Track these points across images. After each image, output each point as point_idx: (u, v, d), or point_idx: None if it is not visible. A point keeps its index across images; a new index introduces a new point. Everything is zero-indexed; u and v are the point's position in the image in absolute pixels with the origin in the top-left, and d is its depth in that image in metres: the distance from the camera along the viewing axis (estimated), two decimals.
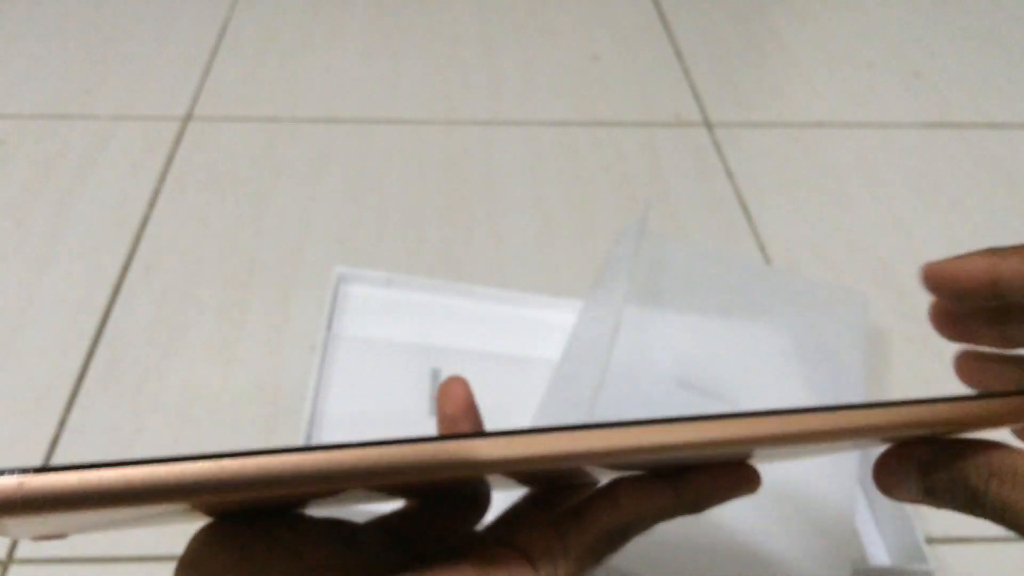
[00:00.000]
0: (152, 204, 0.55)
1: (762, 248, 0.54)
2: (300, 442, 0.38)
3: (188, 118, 0.62)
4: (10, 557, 0.37)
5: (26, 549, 0.37)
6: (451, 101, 0.65)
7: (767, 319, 0.43)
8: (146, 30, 0.71)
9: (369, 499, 0.22)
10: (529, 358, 0.43)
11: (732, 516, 0.34)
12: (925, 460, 0.20)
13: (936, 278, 0.22)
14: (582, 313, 0.43)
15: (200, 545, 0.20)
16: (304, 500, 0.19)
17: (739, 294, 0.45)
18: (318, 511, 0.22)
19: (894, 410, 0.18)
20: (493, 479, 0.21)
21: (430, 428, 0.39)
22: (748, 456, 0.21)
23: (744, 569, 0.33)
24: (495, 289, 0.46)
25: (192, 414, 0.42)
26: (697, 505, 0.21)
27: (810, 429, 0.17)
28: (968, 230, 0.56)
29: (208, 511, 0.19)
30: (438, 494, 0.23)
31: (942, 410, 0.18)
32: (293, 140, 0.61)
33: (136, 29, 0.72)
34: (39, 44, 0.69)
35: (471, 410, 0.25)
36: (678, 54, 0.72)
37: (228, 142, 0.60)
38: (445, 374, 0.41)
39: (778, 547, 0.34)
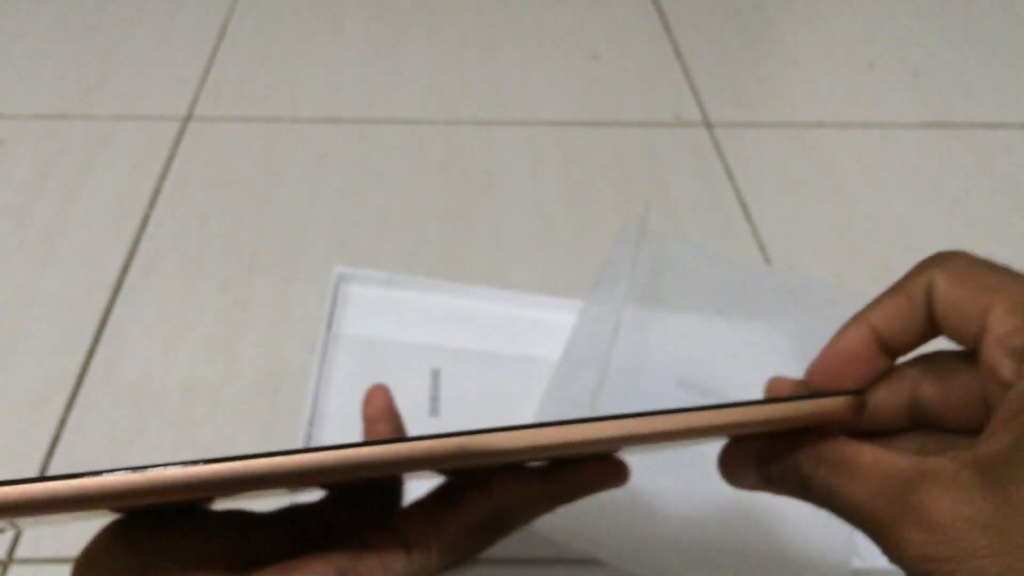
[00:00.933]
0: (152, 204, 0.55)
1: (762, 248, 0.54)
2: (300, 442, 0.38)
3: (188, 118, 0.62)
4: (10, 557, 0.37)
5: (27, 549, 0.37)
6: (451, 101, 0.65)
7: (767, 319, 0.43)
8: (146, 30, 0.71)
9: (277, 495, 0.23)
10: (529, 358, 0.43)
11: (732, 516, 0.34)
12: (763, 450, 0.21)
13: (825, 369, 0.21)
14: (582, 313, 0.43)
15: (97, 543, 0.21)
16: (203, 501, 0.21)
17: (739, 294, 0.45)
18: (226, 504, 0.23)
19: (729, 411, 0.19)
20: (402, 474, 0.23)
21: (430, 428, 0.39)
22: (614, 451, 0.22)
23: (744, 569, 0.33)
24: (495, 289, 0.46)
25: (192, 414, 0.42)
26: (569, 496, 0.22)
27: (653, 431, 0.19)
28: (968, 230, 0.56)
29: (115, 510, 0.21)
30: (348, 488, 0.24)
31: (774, 410, 0.19)
32: (293, 140, 0.61)
33: (136, 29, 0.72)
34: (39, 44, 0.69)
35: (389, 412, 0.28)
36: (678, 54, 0.72)
37: (228, 142, 0.60)
38: (446, 374, 0.41)
39: (777, 547, 0.34)
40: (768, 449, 0.21)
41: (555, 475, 0.22)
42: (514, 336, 0.44)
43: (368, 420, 0.28)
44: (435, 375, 0.41)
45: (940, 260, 0.20)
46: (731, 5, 0.79)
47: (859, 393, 0.19)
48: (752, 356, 0.42)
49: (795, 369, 0.41)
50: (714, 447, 0.23)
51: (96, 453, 0.41)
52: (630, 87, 0.68)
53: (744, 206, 0.57)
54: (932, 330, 0.20)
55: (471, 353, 0.43)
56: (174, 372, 0.44)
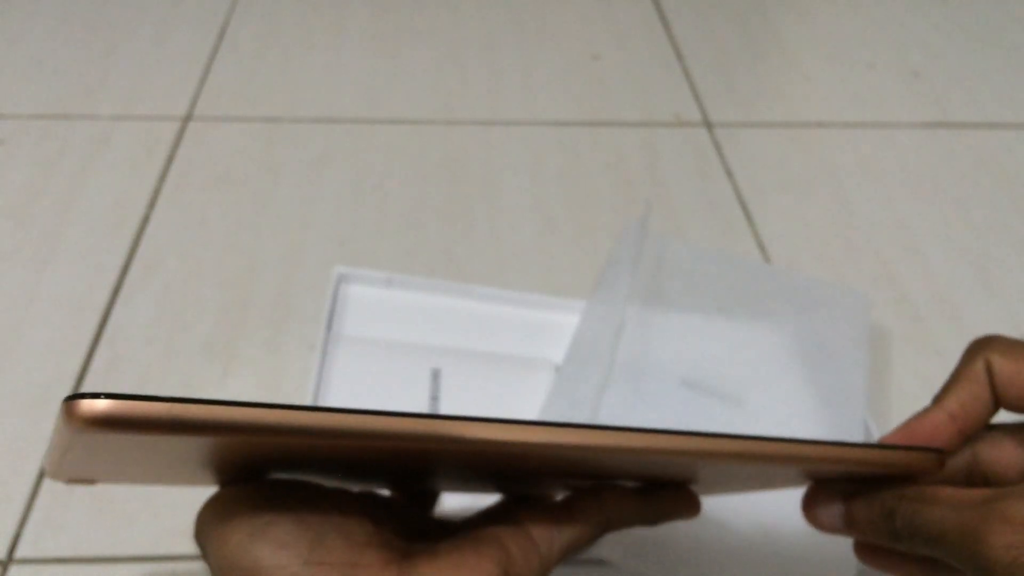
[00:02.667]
0: (152, 204, 0.55)
1: (762, 248, 0.54)
2: None
3: (188, 118, 0.62)
4: (10, 557, 0.37)
5: (26, 549, 0.37)
6: (451, 101, 0.65)
7: (770, 318, 0.43)
8: (146, 31, 0.71)
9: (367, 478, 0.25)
10: (530, 358, 0.42)
11: (738, 517, 0.34)
12: (847, 491, 0.24)
13: (903, 442, 0.24)
14: (585, 313, 0.43)
15: (253, 517, 0.21)
16: (335, 459, 0.22)
17: (742, 293, 0.45)
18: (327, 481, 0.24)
19: (830, 447, 0.22)
20: (448, 483, 0.26)
21: None
22: (694, 480, 0.26)
23: (749, 569, 0.33)
24: (496, 289, 0.46)
25: None
26: (656, 518, 0.26)
27: (734, 451, 0.21)
28: (968, 229, 0.56)
29: (238, 464, 0.21)
30: (405, 484, 0.27)
31: (868, 453, 0.22)
32: (293, 140, 0.61)
33: (136, 29, 0.72)
34: (39, 44, 0.69)
35: None
36: (678, 54, 0.72)
37: (228, 142, 0.60)
38: (446, 374, 0.41)
39: (783, 548, 0.34)
40: (853, 489, 0.24)
41: (652, 499, 0.26)
42: (514, 336, 0.44)
43: None
44: (435, 375, 0.41)
45: (987, 344, 0.23)
46: (731, 5, 0.79)
47: (940, 451, 0.23)
48: (754, 355, 0.42)
49: (796, 369, 0.41)
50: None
51: None
52: (630, 87, 0.68)
53: (744, 206, 0.57)
54: (995, 406, 0.23)
55: (471, 353, 0.43)
56: (174, 372, 0.44)
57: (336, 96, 0.65)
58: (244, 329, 0.47)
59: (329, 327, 0.43)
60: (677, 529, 0.33)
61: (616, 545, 0.33)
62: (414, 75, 0.68)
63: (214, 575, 0.21)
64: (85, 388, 0.43)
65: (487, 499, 0.27)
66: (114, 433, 0.16)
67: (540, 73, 0.69)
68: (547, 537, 0.23)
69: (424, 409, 0.40)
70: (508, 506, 0.25)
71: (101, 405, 0.16)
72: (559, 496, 0.26)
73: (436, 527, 0.25)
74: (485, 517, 0.25)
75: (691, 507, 0.27)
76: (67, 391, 0.43)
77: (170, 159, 0.58)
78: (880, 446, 0.23)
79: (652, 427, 0.20)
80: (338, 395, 0.40)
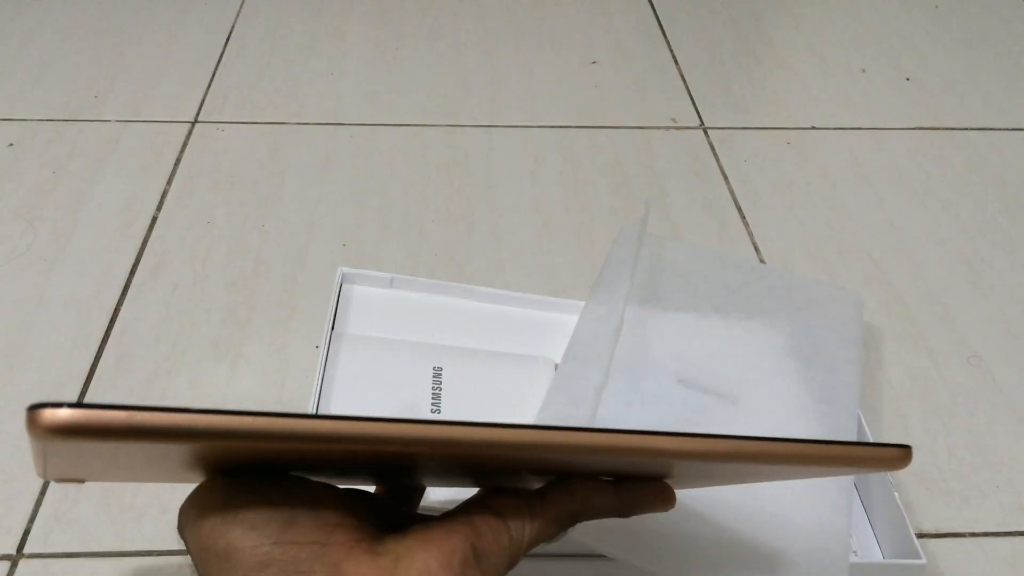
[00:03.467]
0: (160, 205, 0.56)
1: (756, 249, 0.55)
2: None
3: (195, 122, 0.63)
4: (19, 552, 0.37)
5: (36, 544, 0.38)
6: (453, 105, 0.66)
7: (765, 318, 0.44)
8: (154, 37, 0.72)
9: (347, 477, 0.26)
10: (529, 356, 0.43)
11: (732, 514, 0.35)
12: None
13: None
14: (584, 312, 0.44)
15: (228, 502, 0.22)
16: (310, 460, 0.22)
17: (737, 293, 0.45)
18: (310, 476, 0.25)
19: (812, 445, 0.22)
20: (430, 478, 0.27)
21: None
22: (668, 475, 0.26)
23: (742, 566, 0.34)
24: (496, 289, 0.47)
25: None
26: (628, 510, 0.26)
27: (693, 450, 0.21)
28: (958, 230, 0.57)
29: (218, 465, 0.22)
30: (390, 479, 0.28)
31: (829, 450, 0.22)
32: (298, 143, 0.62)
33: (144, 36, 0.72)
34: (50, 50, 0.70)
35: None
36: (675, 60, 0.73)
37: (234, 145, 0.61)
38: (447, 373, 0.42)
39: (776, 544, 0.34)
40: None
41: (624, 489, 0.26)
42: (515, 335, 0.45)
43: None
44: (437, 373, 0.42)
45: None
46: (727, 12, 0.80)
47: (906, 447, 0.23)
48: (749, 353, 0.42)
49: (791, 366, 0.42)
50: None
51: None
52: (628, 91, 0.69)
53: (739, 208, 0.58)
54: None
55: (472, 352, 0.43)
56: (181, 371, 0.45)
57: (340, 100, 0.66)
58: (250, 328, 0.48)
59: (333, 326, 0.44)
60: (675, 524, 0.34)
61: (615, 540, 0.33)
62: (416, 80, 0.69)
63: (194, 562, 0.22)
64: (95, 386, 0.44)
65: (469, 494, 0.27)
66: (76, 440, 0.17)
67: (539, 78, 0.70)
68: (518, 522, 0.24)
69: (426, 407, 0.41)
70: (483, 495, 0.25)
71: (62, 414, 0.16)
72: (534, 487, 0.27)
73: (417, 522, 0.25)
74: (460, 507, 0.25)
75: (664, 500, 0.27)
76: (77, 389, 0.44)
77: (178, 161, 0.59)
78: (849, 443, 0.23)
79: (613, 428, 0.21)
80: (341, 393, 0.41)
